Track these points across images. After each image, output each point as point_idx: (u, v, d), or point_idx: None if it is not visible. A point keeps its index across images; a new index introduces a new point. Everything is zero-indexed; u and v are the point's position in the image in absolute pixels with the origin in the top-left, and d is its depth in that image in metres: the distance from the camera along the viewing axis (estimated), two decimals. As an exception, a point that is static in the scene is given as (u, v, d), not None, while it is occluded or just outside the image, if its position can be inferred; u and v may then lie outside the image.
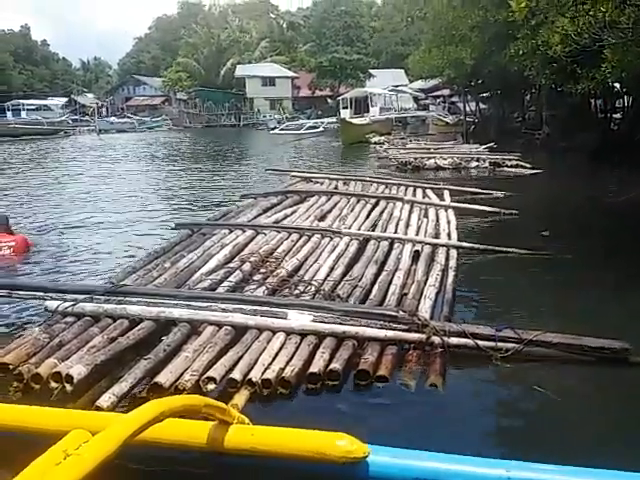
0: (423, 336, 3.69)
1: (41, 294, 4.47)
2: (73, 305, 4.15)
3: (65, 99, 58.22)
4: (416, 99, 42.50)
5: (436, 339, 3.67)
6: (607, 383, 3.53)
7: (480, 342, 3.66)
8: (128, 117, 50.21)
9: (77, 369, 3.23)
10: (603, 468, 2.34)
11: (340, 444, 2.38)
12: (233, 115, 49.84)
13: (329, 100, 48.78)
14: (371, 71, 50.09)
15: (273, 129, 37.55)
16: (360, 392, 3.33)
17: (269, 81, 51.22)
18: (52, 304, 4.23)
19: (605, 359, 3.60)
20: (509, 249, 6.17)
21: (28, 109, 49.58)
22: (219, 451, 2.49)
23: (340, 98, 38.66)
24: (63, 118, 45.85)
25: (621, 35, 7.96)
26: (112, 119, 48.62)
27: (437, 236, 6.73)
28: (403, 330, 3.78)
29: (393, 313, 3.89)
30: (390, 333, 3.74)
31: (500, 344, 3.64)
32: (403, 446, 2.50)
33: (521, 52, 13.66)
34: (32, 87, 63.40)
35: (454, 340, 3.68)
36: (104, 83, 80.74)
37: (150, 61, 73.65)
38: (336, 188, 10.08)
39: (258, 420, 2.63)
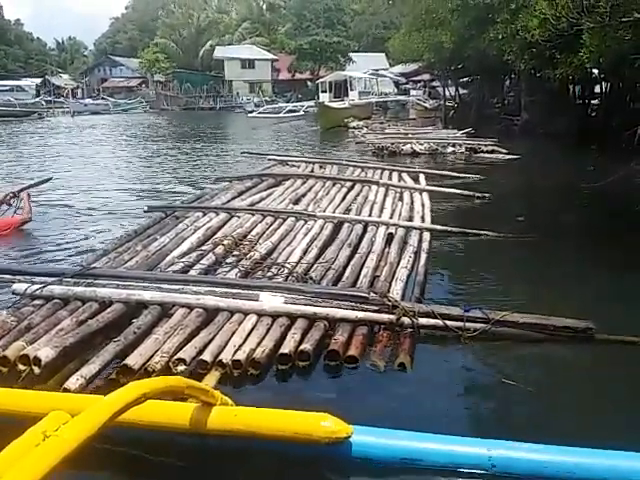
0: (393, 317, 3.74)
1: (9, 277, 4.40)
2: (42, 288, 4.09)
3: (39, 80, 56.70)
4: (397, 83, 42.32)
5: (406, 320, 3.72)
6: (572, 361, 3.61)
7: (449, 322, 3.72)
8: (103, 99, 49.14)
9: (45, 352, 3.20)
10: (578, 446, 2.41)
11: (324, 425, 2.40)
12: (212, 98, 49.14)
13: (309, 83, 48.38)
14: (351, 55, 49.69)
15: (251, 112, 37.14)
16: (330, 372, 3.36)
17: (248, 63, 50.53)
18: (20, 287, 4.17)
19: (571, 338, 3.68)
20: (482, 232, 6.25)
21: (1, 90, 48.21)
22: (202, 432, 2.50)
23: (319, 82, 38.31)
24: (37, 100, 44.72)
25: (599, 19, 8.04)
26: (87, 101, 47.56)
27: (411, 219, 6.78)
28: (374, 311, 3.81)
29: (364, 294, 3.92)
30: (361, 314, 3.78)
31: (468, 324, 3.70)
32: (386, 426, 2.54)
33: (500, 36, 13.72)
34: (5, 67, 61.56)
35: (423, 321, 3.73)
36: (80, 64, 78.69)
37: (127, 42, 71.98)
38: (312, 171, 10.07)
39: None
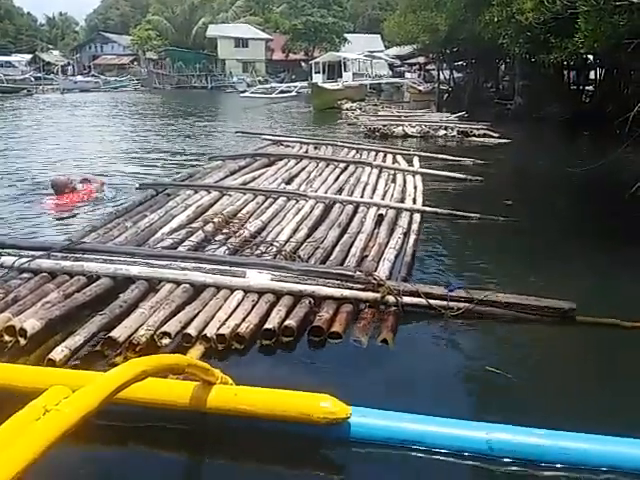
0: (378, 295, 3.78)
1: (-3, 251, 4.40)
2: (30, 261, 4.10)
3: (29, 56, 55.80)
4: (392, 66, 42.04)
5: (390, 298, 3.76)
6: (554, 341, 3.67)
7: (433, 301, 3.77)
8: (94, 76, 48.46)
9: (31, 323, 3.23)
10: (572, 431, 2.44)
11: (323, 405, 2.42)
12: (204, 77, 48.58)
13: (303, 64, 47.96)
14: (347, 36, 49.27)
15: (243, 92, 36.74)
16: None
17: (242, 42, 49.90)
18: (8, 260, 4.17)
19: (553, 318, 3.74)
20: (471, 214, 6.29)
21: (-11, 65, 47.40)
22: (202, 411, 2.52)
23: (312, 62, 38.03)
24: (26, 76, 44.03)
25: (594, 3, 8.01)
26: (77, 78, 46.83)
27: (402, 201, 6.81)
28: (359, 289, 3.85)
29: (350, 273, 3.96)
30: (346, 292, 3.82)
31: (452, 303, 3.75)
32: (385, 408, 2.56)
33: (496, 19, 13.60)
34: (-5, 43, 60.59)
35: (408, 299, 3.78)
36: (71, 40, 77.42)
37: (119, 18, 70.89)
38: (306, 152, 10.04)
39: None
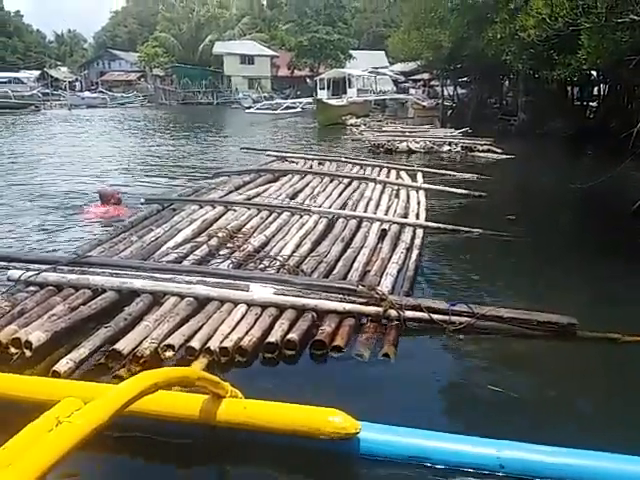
0: (380, 309, 3.81)
1: (4, 264, 4.46)
2: (36, 275, 4.15)
3: (38, 72, 56.52)
4: (396, 82, 42.38)
5: (393, 312, 3.79)
6: (555, 356, 3.68)
7: (434, 316, 3.79)
8: (101, 92, 48.99)
9: (36, 335, 3.27)
10: (584, 448, 2.42)
11: (333, 420, 2.42)
12: (210, 93, 49.07)
13: (308, 80, 48.29)
14: (351, 52, 49.69)
15: (248, 108, 37.07)
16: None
17: (248, 59, 50.44)
18: (15, 273, 4.24)
19: (555, 333, 3.75)
20: (474, 229, 6.32)
21: (-1, 82, 48.01)
22: (212, 424, 2.53)
23: (317, 79, 38.30)
24: (34, 92, 44.55)
25: (596, 20, 8.10)
26: (84, 94, 47.38)
27: (405, 216, 6.85)
28: (361, 304, 3.88)
29: (352, 287, 3.99)
30: (348, 306, 3.85)
31: (454, 318, 3.77)
32: (394, 423, 2.56)
33: (499, 36, 13.76)
34: (4, 59, 61.29)
35: (410, 313, 3.80)
36: (79, 57, 78.44)
37: (126, 35, 71.80)
38: (311, 168, 10.12)
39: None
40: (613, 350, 3.63)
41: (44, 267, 4.24)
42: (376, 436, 2.49)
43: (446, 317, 3.79)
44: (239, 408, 2.53)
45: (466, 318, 3.79)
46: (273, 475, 2.52)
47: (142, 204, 7.07)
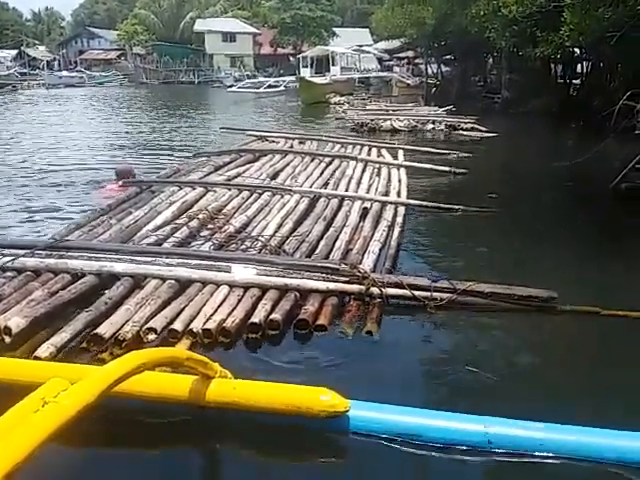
0: (362, 287, 3.82)
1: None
2: (13, 260, 4.09)
3: (15, 51, 55.13)
4: (380, 60, 41.98)
5: (375, 290, 3.80)
6: (536, 329, 3.73)
7: (417, 292, 3.81)
8: (79, 71, 48.00)
9: (16, 321, 3.23)
10: (572, 424, 2.45)
11: (323, 399, 2.44)
12: (192, 72, 48.29)
13: (291, 58, 47.72)
14: (335, 30, 49.08)
15: (230, 87, 36.46)
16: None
17: (230, 37, 49.61)
18: (-9, 259, 4.15)
19: (535, 307, 3.80)
20: (455, 206, 6.34)
21: (-26, 62, 46.83)
22: (201, 405, 2.52)
23: (300, 56, 37.86)
24: (11, 72, 43.56)
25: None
26: (62, 73, 46.40)
27: (387, 194, 6.85)
28: (344, 282, 3.89)
29: (335, 266, 3.99)
30: (331, 285, 3.85)
31: (435, 294, 3.80)
32: (380, 400, 2.59)
33: (482, 13, 13.65)
34: (-21, 39, 59.78)
35: (392, 291, 3.82)
36: (57, 35, 76.45)
37: (105, 13, 70.12)
38: (291, 147, 10.04)
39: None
40: (593, 324, 3.68)
41: (21, 252, 4.17)
42: (365, 414, 2.51)
43: (428, 293, 3.81)
44: (229, 388, 2.53)
45: (448, 294, 3.81)
46: (263, 454, 2.53)
47: (120, 187, 6.98)
